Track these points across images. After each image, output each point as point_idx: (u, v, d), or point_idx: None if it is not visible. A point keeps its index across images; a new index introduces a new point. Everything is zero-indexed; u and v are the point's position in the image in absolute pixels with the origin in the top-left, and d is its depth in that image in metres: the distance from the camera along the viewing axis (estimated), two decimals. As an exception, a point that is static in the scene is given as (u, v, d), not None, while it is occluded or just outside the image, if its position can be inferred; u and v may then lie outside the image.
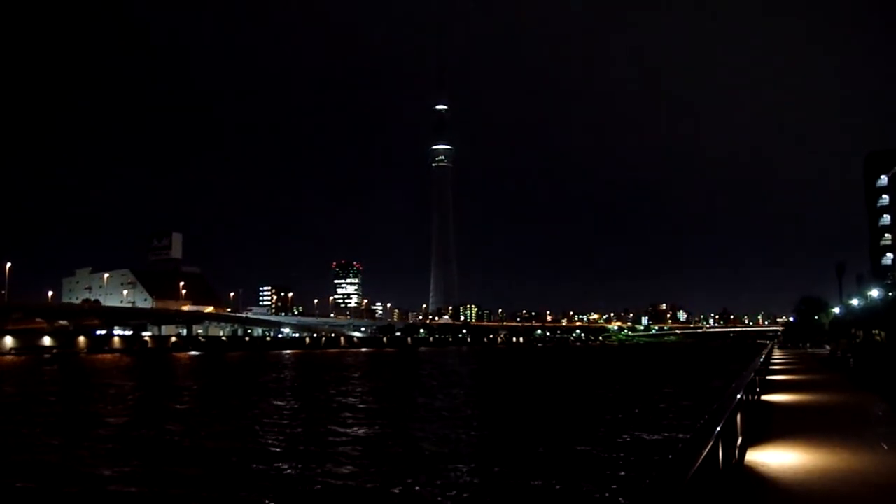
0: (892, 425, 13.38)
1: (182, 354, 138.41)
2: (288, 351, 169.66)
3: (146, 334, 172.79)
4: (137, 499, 15.77)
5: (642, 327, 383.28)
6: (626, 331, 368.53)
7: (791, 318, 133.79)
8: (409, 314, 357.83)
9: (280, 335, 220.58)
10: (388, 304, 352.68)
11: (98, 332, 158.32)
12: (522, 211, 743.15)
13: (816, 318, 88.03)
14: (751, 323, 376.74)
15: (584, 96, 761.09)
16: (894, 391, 19.58)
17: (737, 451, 8.16)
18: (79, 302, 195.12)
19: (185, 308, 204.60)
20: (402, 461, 19.86)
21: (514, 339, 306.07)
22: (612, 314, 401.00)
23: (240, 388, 50.44)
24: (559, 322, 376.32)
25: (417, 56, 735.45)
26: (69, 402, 39.57)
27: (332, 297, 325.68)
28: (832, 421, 13.26)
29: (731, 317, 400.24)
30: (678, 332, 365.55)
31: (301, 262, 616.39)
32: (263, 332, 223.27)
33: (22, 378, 64.42)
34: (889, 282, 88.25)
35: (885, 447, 9.99)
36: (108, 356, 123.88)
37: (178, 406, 37.38)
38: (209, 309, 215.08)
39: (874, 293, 66.45)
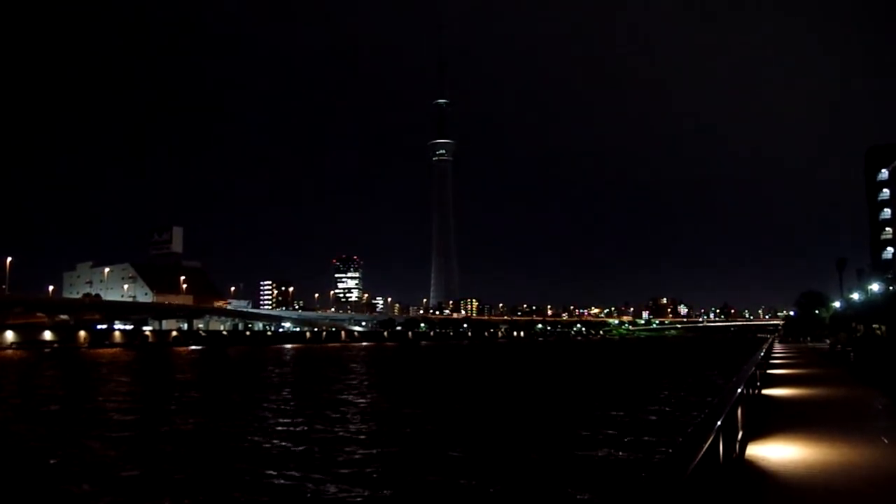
0: (893, 419, 13.40)
1: (183, 349, 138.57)
2: (289, 345, 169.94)
3: (147, 329, 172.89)
4: (139, 494, 15.77)
5: (643, 321, 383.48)
6: (626, 325, 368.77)
7: (791, 313, 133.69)
8: (410, 308, 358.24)
9: (281, 329, 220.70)
10: (389, 299, 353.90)
11: (99, 327, 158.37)
12: (523, 205, 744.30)
13: (817, 312, 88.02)
14: (751, 317, 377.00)
15: (585, 91, 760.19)
16: (895, 385, 19.61)
17: (737, 446, 8.13)
18: (79, 296, 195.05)
19: (188, 302, 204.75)
20: (402, 458, 19.87)
21: (515, 333, 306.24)
22: (612, 308, 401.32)
23: (240, 383, 50.52)
24: (560, 316, 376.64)
25: (418, 50, 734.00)
26: (69, 396, 39.64)
27: (332, 292, 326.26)
28: (833, 415, 13.24)
29: (732, 311, 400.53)
30: (679, 326, 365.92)
31: (302, 257, 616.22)
32: (264, 326, 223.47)
33: (22, 372, 64.53)
34: (889, 276, 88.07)
35: (886, 441, 10.00)
36: (109, 351, 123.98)
37: (179, 401, 37.40)
38: (220, 303, 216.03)
39: (874, 287, 66.37)
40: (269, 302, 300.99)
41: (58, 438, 23.63)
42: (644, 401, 33.96)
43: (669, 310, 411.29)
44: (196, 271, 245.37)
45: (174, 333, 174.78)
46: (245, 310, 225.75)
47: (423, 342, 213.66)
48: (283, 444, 22.12)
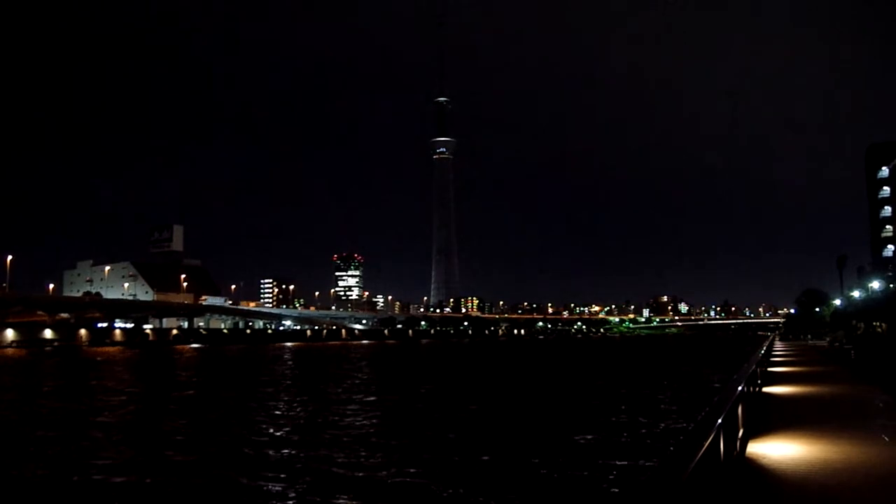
0: (893, 417, 13.41)
1: (183, 347, 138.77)
2: (289, 343, 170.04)
3: (147, 327, 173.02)
4: (139, 493, 15.76)
5: (644, 319, 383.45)
6: (627, 323, 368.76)
7: (792, 310, 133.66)
8: (411, 307, 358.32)
9: (281, 328, 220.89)
10: (390, 297, 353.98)
11: (99, 325, 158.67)
12: (524, 203, 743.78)
13: (818, 309, 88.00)
14: (752, 315, 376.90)
15: (585, 90, 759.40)
16: (895, 383, 19.61)
17: (738, 443, 8.15)
18: (80, 295, 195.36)
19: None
20: (403, 456, 19.85)
21: (516, 331, 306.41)
22: (613, 306, 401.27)
23: (240, 381, 50.55)
24: (560, 314, 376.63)
25: (418, 47, 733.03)
26: (68, 395, 39.65)
27: (333, 290, 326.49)
28: (833, 413, 13.27)
29: (733, 309, 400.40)
30: (679, 324, 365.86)
31: (302, 255, 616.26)
32: (265, 324, 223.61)
33: (22, 371, 64.59)
34: (890, 273, 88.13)
35: (886, 439, 10.03)
36: (110, 349, 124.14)
37: (178, 399, 37.42)
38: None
39: (875, 285, 66.35)
40: (270, 300, 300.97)
41: (54, 437, 23.61)
42: (645, 398, 33.96)
43: (670, 307, 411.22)
44: (196, 269, 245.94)
45: (174, 332, 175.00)
46: (246, 308, 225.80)
47: (424, 340, 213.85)
48: (282, 442, 22.11)
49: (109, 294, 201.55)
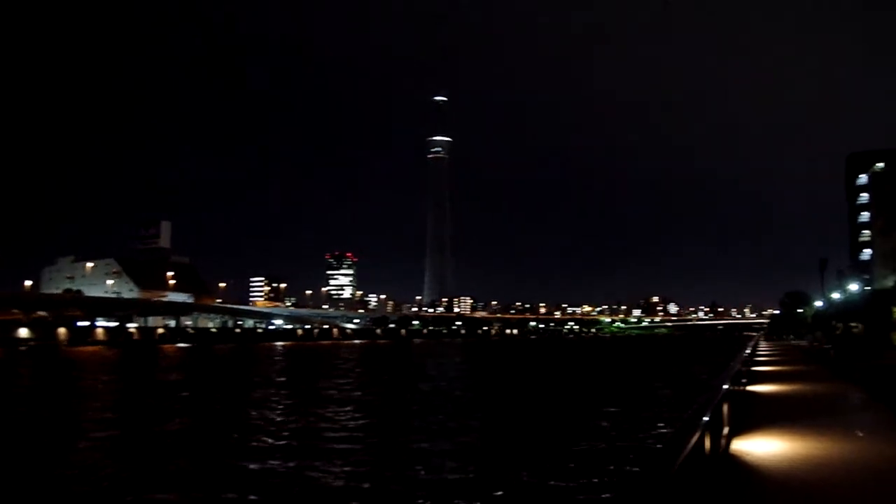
0: (868, 413, 14.08)
1: (169, 346, 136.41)
2: (279, 343, 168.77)
3: (132, 326, 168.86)
4: (117, 496, 15.59)
5: (634, 319, 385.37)
6: (618, 323, 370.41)
7: (776, 311, 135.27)
8: (403, 306, 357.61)
9: (272, 327, 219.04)
10: (382, 296, 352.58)
11: (80, 324, 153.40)
12: (517, 203, 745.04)
13: (800, 310, 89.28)
14: (738, 316, 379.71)
15: (581, 91, 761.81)
16: (870, 381, 20.26)
17: (723, 441, 8.36)
18: (59, 292, 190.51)
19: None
20: (393, 457, 19.97)
21: (508, 331, 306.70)
22: (604, 307, 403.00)
23: (227, 381, 50.34)
24: (553, 314, 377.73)
25: (415, 47, 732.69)
26: (40, 396, 39.02)
27: (325, 289, 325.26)
28: (813, 410, 13.73)
29: (720, 309, 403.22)
30: (669, 324, 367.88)
31: (295, 254, 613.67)
32: (255, 323, 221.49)
33: None
34: (867, 276, 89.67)
35: (861, 434, 10.50)
36: (91, 349, 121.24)
37: (162, 400, 36.87)
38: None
39: (853, 287, 67.82)
40: (261, 298, 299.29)
41: (23, 443, 22.97)
42: (634, 396, 34.25)
43: (660, 308, 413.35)
44: (184, 267, 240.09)
45: (160, 331, 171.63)
46: (235, 306, 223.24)
47: (416, 340, 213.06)
48: (269, 443, 22.05)
49: (92, 292, 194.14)
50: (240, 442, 21.88)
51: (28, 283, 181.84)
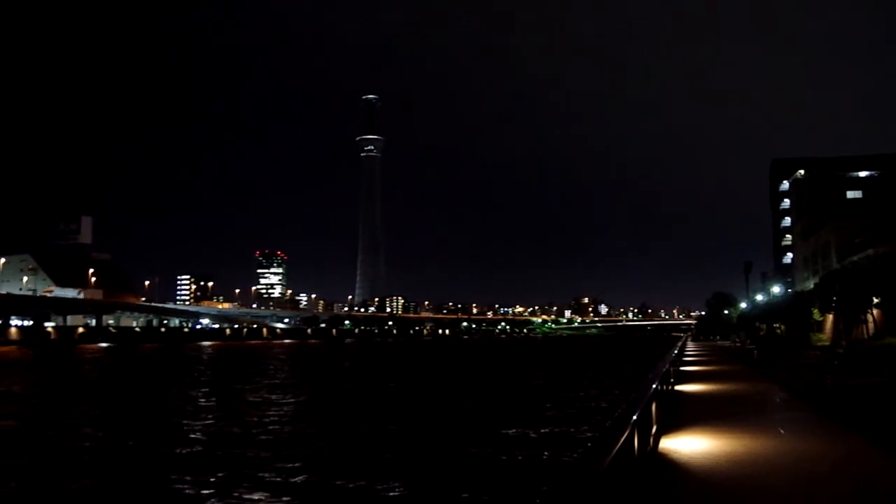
0: (789, 411, 14.74)
1: (90, 346, 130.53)
2: (207, 342, 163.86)
3: (49, 325, 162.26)
4: None
5: (565, 320, 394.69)
6: (549, 324, 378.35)
7: (703, 313, 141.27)
8: (335, 305, 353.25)
9: (199, 326, 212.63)
10: (313, 295, 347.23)
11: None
12: (450, 203, 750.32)
13: (726, 312, 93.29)
14: (667, 316, 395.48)
15: (511, 89, 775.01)
16: (790, 380, 21.31)
17: (651, 439, 8.48)
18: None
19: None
20: (327, 461, 19.37)
21: (441, 331, 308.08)
22: (536, 307, 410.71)
23: (150, 382, 48.07)
24: (485, 314, 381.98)
25: (350, 43, 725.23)
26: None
27: (254, 287, 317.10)
28: (737, 409, 14.17)
29: (650, 310, 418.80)
30: (599, 324, 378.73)
31: (223, 251, 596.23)
32: (181, 322, 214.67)
33: None
34: (789, 279, 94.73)
35: (783, 432, 10.96)
36: (3, 349, 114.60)
37: (74, 403, 34.96)
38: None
39: (776, 289, 71.40)
40: (187, 297, 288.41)
41: None
42: (565, 395, 34.68)
43: (591, 309, 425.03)
44: (106, 264, 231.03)
45: (80, 330, 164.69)
46: (160, 304, 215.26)
47: (348, 340, 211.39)
48: (193, 448, 21.07)
49: (5, 289, 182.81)
50: (153, 446, 20.68)
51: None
